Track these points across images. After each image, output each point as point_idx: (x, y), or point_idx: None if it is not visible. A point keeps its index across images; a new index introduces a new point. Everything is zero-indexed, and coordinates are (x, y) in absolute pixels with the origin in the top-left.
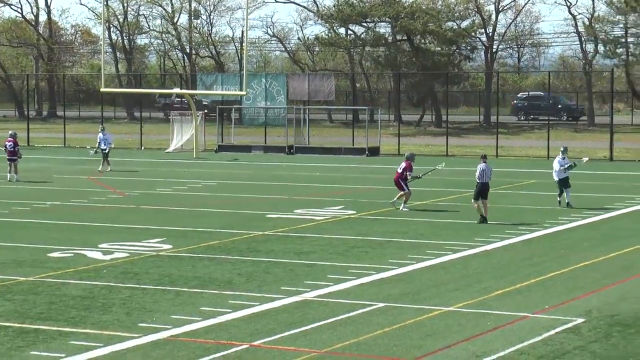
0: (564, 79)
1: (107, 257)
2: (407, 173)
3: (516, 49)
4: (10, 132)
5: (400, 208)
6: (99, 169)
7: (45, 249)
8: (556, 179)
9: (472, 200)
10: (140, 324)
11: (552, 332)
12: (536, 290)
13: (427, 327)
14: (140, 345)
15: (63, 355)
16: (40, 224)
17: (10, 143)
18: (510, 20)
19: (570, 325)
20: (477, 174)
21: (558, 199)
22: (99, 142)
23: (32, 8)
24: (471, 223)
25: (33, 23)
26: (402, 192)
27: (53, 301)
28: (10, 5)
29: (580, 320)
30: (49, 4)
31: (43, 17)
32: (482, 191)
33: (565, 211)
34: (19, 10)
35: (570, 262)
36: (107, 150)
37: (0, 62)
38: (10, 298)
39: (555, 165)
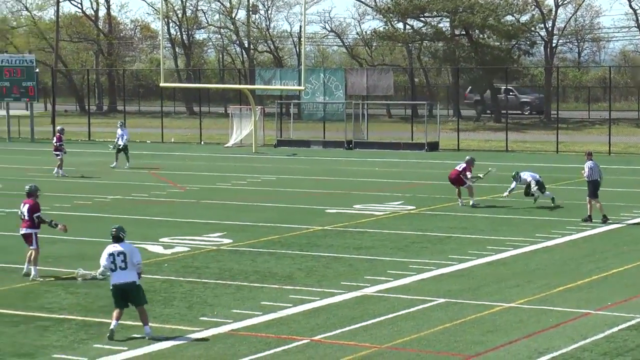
0: (625, 73)
1: (168, 251)
2: (467, 173)
3: (576, 44)
4: (57, 127)
5: (471, 203)
6: (113, 165)
7: (107, 242)
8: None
9: (587, 198)
10: (201, 318)
11: (615, 329)
12: (598, 287)
13: (488, 323)
14: (201, 339)
15: (125, 348)
16: (102, 217)
17: (55, 139)
18: (570, 15)
19: (633, 322)
20: (585, 172)
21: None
22: (118, 138)
23: (92, 3)
24: (532, 219)
25: (93, 18)
26: (466, 187)
27: None
28: (70, 1)
29: None
30: None
31: (103, 12)
32: (595, 189)
33: (627, 207)
34: (79, 5)
35: (633, 258)
36: (121, 146)
37: (61, 57)
38: (74, 291)
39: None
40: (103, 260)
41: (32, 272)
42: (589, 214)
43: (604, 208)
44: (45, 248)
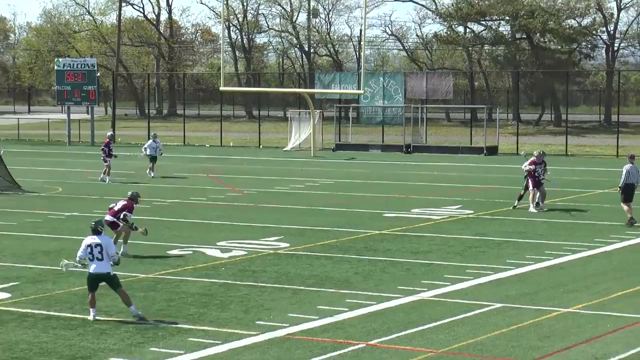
0: None
1: (226, 255)
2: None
3: (638, 47)
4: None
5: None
6: (152, 175)
7: (164, 246)
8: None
9: (622, 203)
10: (258, 322)
11: None
12: None
13: (545, 329)
14: (257, 343)
15: (182, 352)
16: (160, 221)
17: (103, 144)
18: (633, 18)
19: None
20: (622, 175)
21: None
22: (155, 149)
23: (153, 7)
24: (590, 223)
25: (154, 22)
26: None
27: (172, 298)
28: (132, 5)
29: None
30: (170, 3)
31: (164, 17)
32: (627, 193)
33: None
34: (141, 10)
35: None
36: (152, 155)
37: (123, 61)
38: (131, 294)
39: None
40: (80, 251)
41: (122, 249)
42: (629, 216)
43: (632, 211)
44: None
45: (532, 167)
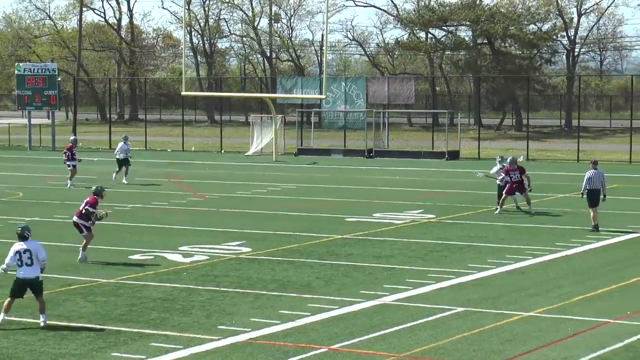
0: None
1: (188, 260)
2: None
3: (598, 52)
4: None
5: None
6: (125, 180)
7: (126, 251)
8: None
9: (590, 209)
10: (220, 327)
11: (634, 338)
12: (618, 296)
13: (507, 332)
14: (219, 348)
15: (143, 356)
16: (122, 226)
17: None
18: (593, 24)
19: None
20: (584, 181)
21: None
22: (126, 151)
23: (114, 12)
24: (552, 227)
25: (115, 27)
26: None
27: (134, 303)
28: (93, 9)
29: None
30: (131, 8)
31: (125, 21)
32: (592, 198)
33: None
34: (102, 14)
35: None
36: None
37: (84, 66)
38: (92, 300)
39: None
40: (8, 259)
41: (80, 255)
42: (593, 223)
43: (597, 218)
44: (65, 256)
45: (507, 177)
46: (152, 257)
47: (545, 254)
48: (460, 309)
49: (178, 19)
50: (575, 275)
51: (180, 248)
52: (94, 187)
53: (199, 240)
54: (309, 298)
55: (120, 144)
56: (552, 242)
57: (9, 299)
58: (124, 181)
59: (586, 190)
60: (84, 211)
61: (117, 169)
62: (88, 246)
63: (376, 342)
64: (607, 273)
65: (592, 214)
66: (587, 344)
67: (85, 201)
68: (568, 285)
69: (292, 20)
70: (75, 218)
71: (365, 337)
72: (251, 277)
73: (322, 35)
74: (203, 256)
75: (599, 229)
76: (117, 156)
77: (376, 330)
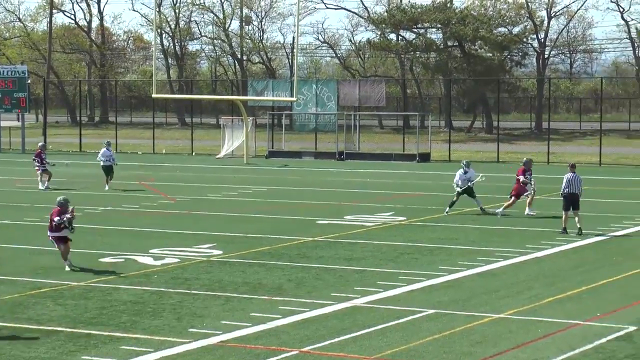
0: (617, 85)
1: (158, 263)
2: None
3: (568, 55)
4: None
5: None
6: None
7: (96, 254)
8: (459, 190)
9: (563, 211)
10: (191, 330)
11: (604, 339)
12: (588, 298)
13: (478, 334)
14: (190, 351)
15: None
16: (92, 229)
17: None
18: (563, 26)
19: (622, 333)
20: (562, 184)
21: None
22: (109, 157)
23: (85, 15)
24: (522, 230)
25: (86, 29)
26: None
27: (104, 306)
28: (63, 11)
29: (632, 328)
30: (101, 10)
31: (96, 24)
32: (571, 202)
33: (616, 218)
34: (73, 17)
35: (623, 269)
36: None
37: (54, 68)
38: (62, 303)
39: (456, 177)
40: None
41: (66, 268)
42: (563, 226)
43: (582, 221)
44: (35, 259)
45: (522, 177)
46: (123, 260)
47: (516, 256)
48: (431, 311)
49: (149, 21)
50: (546, 277)
51: (150, 251)
52: (57, 200)
53: (169, 243)
54: (280, 300)
55: (103, 150)
56: (522, 244)
57: None
58: (106, 187)
59: (566, 192)
60: (54, 225)
61: (106, 177)
62: (68, 255)
63: (347, 345)
64: (577, 275)
65: (564, 216)
66: (557, 346)
67: (51, 215)
68: (538, 287)
69: (263, 23)
70: (50, 234)
71: (336, 340)
72: (222, 279)
73: (293, 38)
74: (174, 259)
75: (574, 232)
76: (101, 163)
77: (347, 332)
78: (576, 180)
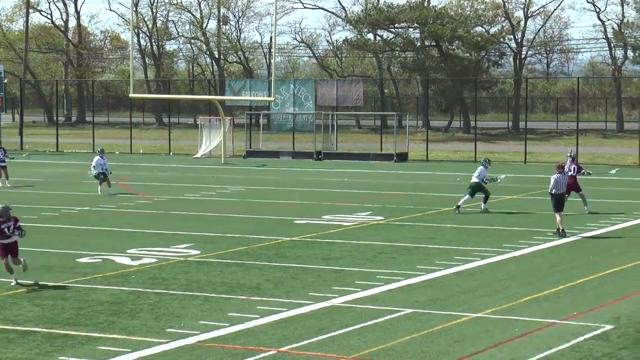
0: (593, 84)
1: (136, 263)
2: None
3: (545, 55)
4: None
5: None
6: (104, 192)
7: (74, 254)
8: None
9: (555, 214)
10: (168, 330)
11: (581, 338)
12: (565, 297)
13: (455, 333)
14: (168, 351)
15: None
16: (69, 229)
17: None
18: (539, 26)
19: (599, 332)
20: (550, 185)
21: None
22: (102, 166)
23: (61, 14)
24: (499, 229)
25: (62, 29)
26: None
27: (81, 306)
28: (40, 11)
29: (609, 327)
30: (78, 10)
31: (72, 23)
32: (559, 203)
33: (593, 217)
34: (49, 16)
35: (599, 268)
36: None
37: (30, 68)
38: (39, 303)
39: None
40: None
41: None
42: (560, 227)
43: (564, 222)
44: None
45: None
46: (100, 260)
47: (493, 255)
48: (408, 311)
49: (125, 20)
50: (523, 277)
51: (128, 251)
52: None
53: (147, 243)
54: (257, 300)
55: (97, 158)
56: (499, 243)
57: None
58: (101, 191)
59: (554, 192)
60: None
61: (99, 183)
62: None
63: (325, 344)
64: (554, 274)
65: (557, 218)
66: (534, 345)
67: None
68: (516, 287)
69: (240, 23)
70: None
71: (314, 339)
72: (200, 279)
73: (271, 38)
74: (151, 259)
75: (565, 235)
76: (93, 173)
77: (325, 332)
78: (563, 180)
